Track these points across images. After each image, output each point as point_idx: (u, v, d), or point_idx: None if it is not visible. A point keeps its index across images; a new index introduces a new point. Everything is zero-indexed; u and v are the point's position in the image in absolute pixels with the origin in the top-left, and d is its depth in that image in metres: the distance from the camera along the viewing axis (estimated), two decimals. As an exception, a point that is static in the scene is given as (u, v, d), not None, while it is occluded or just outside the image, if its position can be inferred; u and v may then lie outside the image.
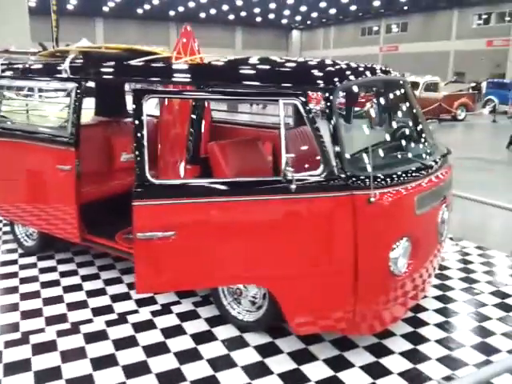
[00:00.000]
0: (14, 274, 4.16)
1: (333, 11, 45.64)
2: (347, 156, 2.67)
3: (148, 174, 2.61)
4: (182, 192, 2.65)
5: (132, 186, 2.66)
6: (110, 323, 3.41)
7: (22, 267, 4.31)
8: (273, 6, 44.05)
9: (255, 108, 20.29)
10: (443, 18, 40.30)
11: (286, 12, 48.35)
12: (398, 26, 45.82)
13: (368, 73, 3.16)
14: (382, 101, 3.92)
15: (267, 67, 3.05)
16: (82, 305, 3.67)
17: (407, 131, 3.42)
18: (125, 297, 3.76)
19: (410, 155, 3.17)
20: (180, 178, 3.23)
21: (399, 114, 3.69)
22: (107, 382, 2.80)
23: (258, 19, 51.94)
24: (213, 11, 46.62)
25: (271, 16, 50.16)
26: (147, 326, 3.38)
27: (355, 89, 3.24)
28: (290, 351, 3.09)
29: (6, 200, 4.46)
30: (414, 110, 3.58)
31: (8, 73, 4.46)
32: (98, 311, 3.57)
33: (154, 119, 4.76)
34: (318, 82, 2.79)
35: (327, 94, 2.70)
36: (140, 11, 46.50)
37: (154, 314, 3.53)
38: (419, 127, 3.51)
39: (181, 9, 45.75)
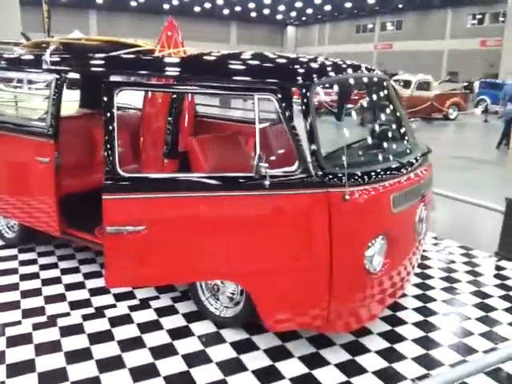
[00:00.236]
0: (-7, 266, 4.12)
1: (328, 8, 45.61)
2: (323, 153, 2.65)
3: (118, 168, 2.57)
4: (152, 186, 2.62)
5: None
6: (86, 317, 3.38)
7: (2, 259, 4.27)
8: (268, 1, 43.95)
9: (250, 104, 20.20)
10: (437, 17, 40.38)
11: (281, 8, 48.24)
12: (392, 24, 45.88)
13: (346, 70, 3.14)
14: (362, 98, 3.91)
15: (243, 62, 3.01)
16: (60, 298, 3.64)
17: (386, 129, 3.40)
18: (104, 291, 3.72)
19: (387, 153, 3.16)
20: (158, 172, 3.18)
21: (379, 111, 3.68)
22: (80, 375, 2.77)
23: (253, 14, 51.77)
24: (207, 5, 46.39)
25: (266, 11, 50.01)
26: (124, 320, 3.35)
27: (332, 85, 3.22)
28: (266, 348, 3.08)
29: None
30: (395, 108, 3.57)
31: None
32: (75, 305, 3.54)
33: (139, 112, 4.73)
34: (294, 77, 2.76)
35: (304, 90, 2.67)
36: (134, 4, 46.19)
37: (132, 308, 3.50)
38: (399, 125, 3.50)
39: (175, 2, 45.47)
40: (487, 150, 12.09)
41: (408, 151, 3.32)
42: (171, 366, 2.88)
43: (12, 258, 4.29)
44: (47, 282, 3.87)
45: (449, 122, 18.90)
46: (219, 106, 9.53)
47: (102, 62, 3.50)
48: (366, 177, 2.73)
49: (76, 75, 4.67)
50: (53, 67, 3.84)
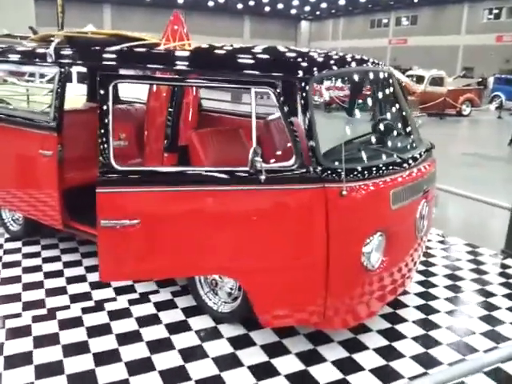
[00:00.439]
0: (-3, 259, 4.16)
1: (342, 2, 45.23)
2: (320, 148, 2.62)
3: (113, 161, 2.57)
4: (146, 180, 2.60)
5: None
6: (86, 310, 3.39)
7: (6, 252, 4.31)
8: (282, -5, 43.77)
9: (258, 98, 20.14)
10: (453, 12, 39.86)
11: (295, 2, 47.95)
12: (407, 19, 45.39)
13: (348, 64, 3.09)
14: (364, 92, 3.86)
15: (241, 55, 2.98)
16: (61, 291, 3.66)
17: (388, 124, 3.34)
18: (104, 285, 3.73)
19: (388, 149, 3.11)
20: (152, 166, 3.17)
21: (382, 106, 3.62)
22: (76, 368, 2.78)
23: (267, 9, 51.56)
24: (221, 0, 46.30)
25: (280, 6, 49.78)
26: (123, 314, 3.36)
27: (332, 79, 3.17)
28: (264, 344, 3.06)
29: None
30: (399, 103, 3.51)
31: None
32: (75, 298, 3.56)
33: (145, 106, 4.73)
34: (292, 70, 2.72)
35: (302, 84, 2.64)
36: (148, -2, 46.31)
37: (131, 302, 3.51)
38: (402, 120, 3.45)
39: (189, -4, 45.49)
40: (499, 147, 11.93)
41: (410, 146, 3.27)
42: (167, 360, 2.88)
43: (16, 251, 4.32)
44: (49, 275, 3.90)
45: (462, 118, 18.67)
46: (226, 100, 9.54)
47: (103, 55, 3.49)
48: (364, 172, 2.69)
49: (80, 68, 4.68)
50: (56, 60, 3.85)
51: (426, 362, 2.98)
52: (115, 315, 3.34)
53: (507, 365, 2.92)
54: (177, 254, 2.73)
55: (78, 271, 3.97)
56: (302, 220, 2.63)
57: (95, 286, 3.74)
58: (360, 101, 3.84)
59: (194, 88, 4.20)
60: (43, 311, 3.37)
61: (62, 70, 3.81)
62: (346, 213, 2.61)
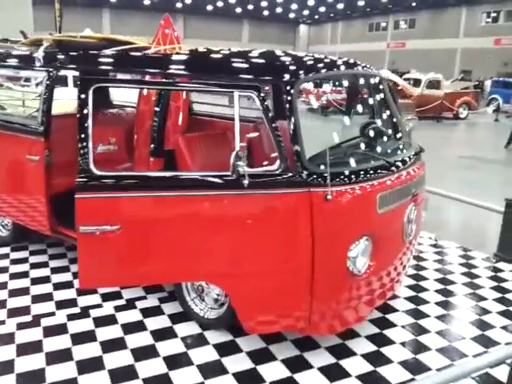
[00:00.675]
0: (-17, 265, 4.12)
1: (341, 6, 45.34)
2: (305, 152, 2.58)
3: (92, 166, 2.53)
4: (126, 185, 2.56)
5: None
6: (71, 317, 3.35)
7: (-6, 258, 4.28)
8: (280, -1, 43.87)
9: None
10: (451, 16, 39.94)
11: (294, 6, 48.07)
12: (405, 23, 45.49)
13: (335, 67, 3.07)
14: (351, 95, 3.83)
15: (224, 58, 2.95)
16: (47, 297, 3.61)
17: (376, 127, 3.31)
18: (91, 291, 3.70)
19: (376, 152, 3.08)
20: (132, 171, 3.13)
21: (372, 109, 3.59)
22: (58, 377, 2.74)
23: (266, 13, 51.67)
24: (220, 4, 46.40)
25: (279, 10, 49.90)
26: (108, 321, 3.32)
27: (317, 82, 3.15)
28: (250, 350, 3.02)
29: None
30: (389, 107, 3.48)
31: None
32: (61, 304, 3.52)
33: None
34: (276, 74, 2.70)
35: (288, 87, 2.61)
36: (147, 2, 46.34)
37: (118, 308, 3.47)
38: (392, 123, 3.42)
39: (188, 1, 45.55)
40: (496, 150, 11.91)
41: (398, 150, 3.24)
42: (151, 368, 2.84)
43: (4, 257, 4.28)
44: (36, 281, 3.86)
45: (459, 121, 18.68)
46: (223, 104, 9.47)
47: (89, 59, 3.46)
48: (349, 176, 2.66)
49: (68, 72, 4.66)
50: (44, 65, 3.82)
51: (414, 367, 2.94)
52: (100, 322, 3.30)
53: (495, 370, 2.88)
54: (157, 260, 2.69)
55: (65, 277, 3.93)
56: (287, 225, 2.60)
57: (82, 292, 3.69)
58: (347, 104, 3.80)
59: (184, 92, 4.18)
60: (28, 318, 3.32)
61: (50, 74, 3.78)
62: (331, 217, 2.58)
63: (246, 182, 2.42)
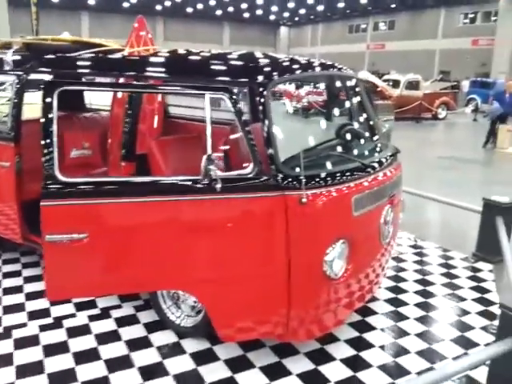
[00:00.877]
0: (-47, 275, 3.99)
1: (321, 8, 45.51)
2: (279, 155, 2.54)
3: (57, 172, 2.44)
4: (93, 191, 2.48)
5: None
6: (43, 328, 3.25)
7: (-35, 268, 4.14)
8: (261, 1, 43.82)
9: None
10: (430, 17, 40.38)
11: (274, 8, 48.12)
12: (385, 24, 45.86)
13: (308, 68, 3.03)
14: (328, 97, 3.80)
15: (195, 60, 2.89)
16: (19, 308, 3.51)
17: (352, 129, 3.28)
18: (64, 300, 3.59)
19: (351, 154, 3.05)
20: (98, 176, 3.03)
21: (347, 110, 3.57)
22: (29, 391, 2.65)
23: (246, 15, 51.67)
24: (200, 6, 46.25)
25: (259, 12, 49.91)
26: (82, 331, 3.22)
27: (290, 83, 3.11)
28: (227, 358, 2.96)
29: None
30: (364, 108, 3.46)
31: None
32: (34, 315, 3.41)
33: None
34: (248, 75, 2.65)
35: (260, 89, 2.56)
36: (126, 5, 45.97)
37: (92, 318, 3.38)
38: (367, 125, 3.39)
39: (167, 3, 45.32)
40: (474, 150, 12.04)
41: (374, 151, 3.21)
42: (126, 379, 2.75)
43: (-25, 267, 4.16)
44: (8, 291, 3.74)
45: (438, 121, 18.87)
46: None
47: (58, 62, 3.37)
48: (324, 179, 2.62)
49: (39, 76, 4.54)
50: (13, 68, 3.72)
51: (394, 371, 2.91)
52: (74, 332, 3.21)
53: (475, 372, 2.86)
54: (127, 268, 2.61)
55: (39, 286, 3.82)
56: (262, 229, 2.54)
57: (55, 301, 3.59)
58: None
59: (159, 94, 4.11)
60: (-2, 330, 3.22)
61: (20, 78, 3.68)
62: (307, 220, 2.53)
63: (218, 186, 2.36)
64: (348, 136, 3.22)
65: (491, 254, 4.55)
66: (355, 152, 3.13)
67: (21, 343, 3.07)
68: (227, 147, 3.76)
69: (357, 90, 3.49)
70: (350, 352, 3.08)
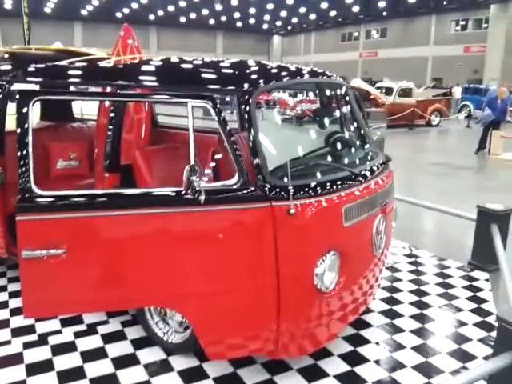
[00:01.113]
0: None
1: (313, 17, 45.77)
2: (266, 164, 2.45)
3: (33, 185, 2.34)
4: (71, 204, 2.37)
5: None
6: (27, 345, 3.14)
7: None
8: (253, 10, 44.01)
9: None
10: (422, 24, 40.64)
11: (267, 17, 48.34)
12: (377, 32, 46.12)
13: (294, 75, 2.96)
14: (318, 104, 3.73)
15: (179, 68, 2.82)
16: (3, 324, 3.39)
17: (341, 137, 3.22)
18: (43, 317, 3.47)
19: (341, 163, 2.97)
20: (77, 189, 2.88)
21: (336, 118, 3.49)
22: (9, 413, 2.54)
23: (239, 24, 51.87)
24: (193, 15, 46.38)
25: (252, 21, 50.13)
26: (67, 348, 3.11)
27: (279, 91, 3.04)
28: (217, 376, 2.85)
29: None
30: (354, 116, 3.39)
31: None
32: (18, 332, 3.29)
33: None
34: (233, 83, 2.57)
35: (246, 97, 2.48)
36: (119, 15, 46.04)
37: (78, 334, 3.27)
38: (357, 133, 3.32)
39: (160, 13, 45.42)
40: (467, 156, 12.02)
41: (365, 160, 3.13)
42: (111, 399, 2.66)
43: (-40, 282, 4.04)
44: (-8, 307, 3.63)
45: (431, 128, 18.89)
46: (197, 117, 9.30)
47: (39, 71, 3.28)
48: (313, 189, 2.54)
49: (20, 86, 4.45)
50: None
51: (389, 387, 2.82)
52: (59, 350, 3.10)
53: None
54: (107, 285, 2.51)
55: (23, 302, 3.70)
56: (249, 242, 2.45)
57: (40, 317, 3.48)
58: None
59: (146, 103, 4.03)
60: (-19, 348, 3.11)
61: (3, 88, 3.59)
62: (295, 232, 2.45)
63: (202, 198, 2.26)
64: (338, 144, 3.15)
65: (487, 262, 4.48)
66: (345, 161, 3.06)
67: (3, 362, 2.96)
68: (217, 157, 3.70)
69: (347, 97, 3.43)
70: (344, 367, 2.98)
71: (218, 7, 41.33)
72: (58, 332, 3.30)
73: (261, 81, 2.67)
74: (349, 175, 2.76)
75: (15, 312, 3.56)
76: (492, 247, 4.20)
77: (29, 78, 3.32)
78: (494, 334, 3.21)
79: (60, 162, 4.46)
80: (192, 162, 2.28)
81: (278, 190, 2.42)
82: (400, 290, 4.06)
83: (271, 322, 2.52)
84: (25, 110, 2.36)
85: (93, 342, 3.19)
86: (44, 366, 2.92)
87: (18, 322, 3.43)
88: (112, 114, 2.96)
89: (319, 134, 3.56)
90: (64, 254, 2.34)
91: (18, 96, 2.41)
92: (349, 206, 2.64)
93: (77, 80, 2.84)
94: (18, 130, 2.38)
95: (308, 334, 2.69)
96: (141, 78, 2.72)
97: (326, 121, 3.54)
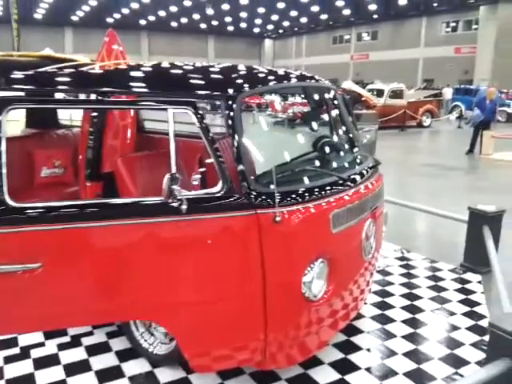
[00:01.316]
0: None
1: (304, 20, 45.86)
2: (250, 171, 2.38)
3: (7, 197, 2.26)
4: (47, 217, 2.28)
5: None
6: (9, 359, 3.04)
7: None
8: (244, 15, 44.04)
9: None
10: (412, 26, 40.82)
11: (258, 21, 48.39)
12: (368, 35, 46.29)
13: (279, 79, 2.89)
14: (306, 107, 3.66)
15: (157, 73, 2.74)
16: (-16, 338, 3.30)
17: (329, 142, 3.15)
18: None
19: (328, 168, 2.90)
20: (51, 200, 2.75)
21: (324, 122, 3.43)
22: (-13, 432, 2.45)
23: (230, 28, 51.89)
24: (184, 20, 46.35)
25: (243, 25, 50.17)
26: (50, 361, 3.02)
27: (264, 95, 2.97)
28: (203, 387, 2.78)
29: None
30: (342, 119, 3.33)
31: None
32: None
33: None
34: (216, 88, 2.50)
35: (229, 102, 2.41)
36: (110, 20, 45.92)
37: (61, 347, 3.17)
38: (345, 137, 3.26)
39: (152, 18, 45.36)
40: (458, 157, 12.01)
41: (353, 164, 3.07)
42: (93, 414, 2.57)
43: None
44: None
45: (423, 129, 18.92)
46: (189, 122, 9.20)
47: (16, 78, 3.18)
48: (300, 195, 2.47)
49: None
50: None
51: (381, 395, 2.76)
52: (41, 363, 3.00)
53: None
54: (85, 299, 2.42)
55: (6, 314, 3.61)
56: (234, 251, 2.38)
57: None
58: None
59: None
60: (-40, 363, 3.01)
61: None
62: (281, 240, 2.38)
63: (184, 207, 2.19)
64: (326, 148, 3.08)
65: (479, 264, 4.44)
66: (334, 165, 2.99)
67: (-17, 377, 2.87)
68: (205, 162, 3.62)
69: (335, 101, 3.36)
70: (334, 376, 2.91)
71: (210, 12, 41.30)
72: (41, 345, 3.21)
73: (245, 85, 2.60)
74: (337, 180, 2.69)
75: (-2, 324, 3.47)
76: (484, 249, 4.15)
77: (5, 86, 3.23)
78: (486, 338, 3.15)
79: (44, 170, 4.37)
80: (173, 170, 2.21)
81: (263, 197, 2.35)
82: (392, 294, 4.00)
83: (258, 331, 2.45)
84: None
85: (77, 354, 3.10)
86: (25, 381, 2.83)
87: None
88: (93, 121, 2.88)
89: (308, 138, 3.50)
90: (40, 268, 2.25)
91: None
92: (337, 211, 2.57)
93: (56, 87, 2.75)
94: None
95: (297, 343, 2.61)
96: (120, 84, 2.63)
97: (315, 125, 3.48)
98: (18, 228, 2.23)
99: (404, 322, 3.55)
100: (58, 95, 2.83)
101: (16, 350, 3.15)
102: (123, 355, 3.07)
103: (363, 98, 17.71)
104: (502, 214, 4.46)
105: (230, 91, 2.46)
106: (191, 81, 2.58)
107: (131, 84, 2.62)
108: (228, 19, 46.59)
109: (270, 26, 51.99)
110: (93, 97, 2.61)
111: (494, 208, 4.43)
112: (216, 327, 2.48)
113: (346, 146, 3.27)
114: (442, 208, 5.47)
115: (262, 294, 2.38)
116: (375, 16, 42.01)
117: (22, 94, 2.62)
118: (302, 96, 3.62)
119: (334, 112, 3.38)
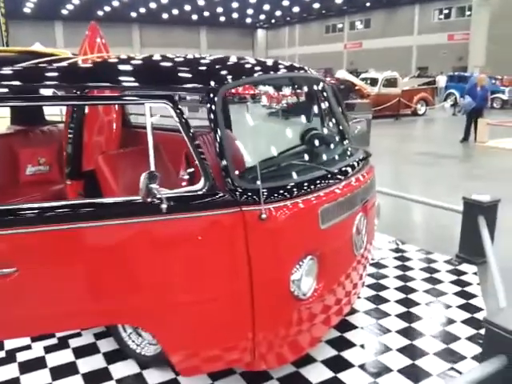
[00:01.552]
0: None
1: (296, 9, 45.48)
2: (234, 167, 2.29)
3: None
4: (20, 219, 2.19)
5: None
6: (-6, 364, 2.97)
7: None
8: (236, 5, 43.62)
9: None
10: (405, 14, 40.60)
11: (250, 11, 47.95)
12: (361, 23, 46.02)
13: (266, 70, 2.79)
14: (288, 100, 3.57)
15: (138, 66, 2.63)
16: (-31, 342, 3.22)
17: (317, 134, 3.06)
18: None
19: (317, 161, 2.81)
20: (26, 202, 2.64)
21: (313, 114, 3.34)
22: None
23: (222, 19, 51.45)
24: (175, 11, 45.90)
25: (235, 15, 49.74)
26: (36, 365, 2.94)
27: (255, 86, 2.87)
28: (193, 389, 2.71)
29: None
30: (331, 111, 3.24)
31: None
32: (-15, 349, 3.13)
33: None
34: (196, 81, 2.40)
35: (211, 95, 2.31)
36: (101, 13, 45.46)
37: (48, 349, 3.10)
38: (334, 128, 3.17)
39: (142, 10, 44.90)
40: (452, 145, 11.93)
41: (343, 156, 2.98)
42: (80, 420, 2.50)
43: None
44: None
45: (417, 117, 18.82)
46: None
47: None
48: (287, 191, 2.38)
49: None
50: None
51: (375, 393, 2.69)
52: (27, 367, 2.93)
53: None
54: (64, 304, 2.33)
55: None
56: (219, 250, 2.29)
57: None
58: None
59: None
60: None
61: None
62: (268, 238, 2.29)
63: (164, 206, 2.10)
64: (315, 141, 2.99)
65: (475, 255, 4.37)
66: (323, 158, 2.90)
67: (-33, 383, 2.79)
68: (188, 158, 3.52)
69: (324, 93, 3.27)
70: (327, 374, 2.84)
71: (201, 2, 40.90)
72: (28, 347, 3.13)
73: (228, 77, 2.49)
74: (325, 174, 2.60)
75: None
76: (479, 239, 4.08)
77: None
78: (482, 331, 3.09)
79: (29, 168, 4.27)
80: (152, 168, 2.12)
81: (248, 193, 2.25)
82: (386, 287, 3.93)
83: (247, 331, 2.37)
84: None
85: (64, 356, 3.02)
86: (11, 386, 2.76)
87: (-15, 338, 3.25)
88: (72, 117, 2.78)
89: (297, 130, 3.41)
90: (15, 273, 2.16)
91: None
92: (326, 207, 2.48)
93: (31, 83, 2.63)
94: None
95: (287, 342, 2.54)
96: (97, 78, 2.53)
97: (303, 117, 3.38)
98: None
99: (399, 316, 3.49)
100: (32, 91, 2.72)
101: (1, 354, 3.07)
102: (111, 357, 3.00)
103: (357, 87, 17.58)
104: (497, 204, 4.39)
105: (212, 83, 2.35)
106: (169, 73, 2.48)
107: (109, 78, 2.52)
108: (220, 10, 46.14)
109: (262, 16, 51.55)
110: (71, 92, 2.51)
111: (489, 198, 4.36)
112: (203, 328, 2.40)
113: (336, 138, 3.19)
114: (437, 197, 5.41)
115: (250, 293, 2.30)
116: (368, 4, 41.75)
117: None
118: (291, 87, 3.51)
119: (323, 103, 3.28)
